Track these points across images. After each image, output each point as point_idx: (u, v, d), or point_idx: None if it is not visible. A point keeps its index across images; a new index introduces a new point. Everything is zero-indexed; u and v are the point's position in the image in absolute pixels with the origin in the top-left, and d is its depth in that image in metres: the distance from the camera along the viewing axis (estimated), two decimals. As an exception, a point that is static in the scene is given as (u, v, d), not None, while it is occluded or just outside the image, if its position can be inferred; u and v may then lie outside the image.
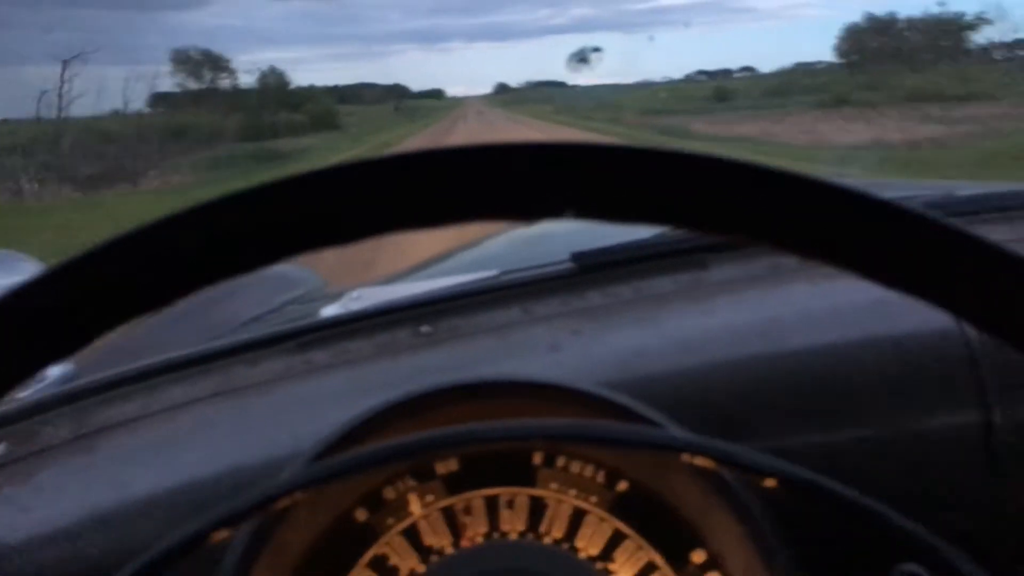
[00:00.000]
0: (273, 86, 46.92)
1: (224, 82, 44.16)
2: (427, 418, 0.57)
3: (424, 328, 0.73)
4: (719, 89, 40.37)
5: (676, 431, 0.54)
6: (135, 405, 0.73)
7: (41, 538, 0.58)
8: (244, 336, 0.82)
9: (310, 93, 49.58)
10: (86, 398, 0.75)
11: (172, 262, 0.24)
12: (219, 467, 0.61)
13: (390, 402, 0.57)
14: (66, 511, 0.60)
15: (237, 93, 43.48)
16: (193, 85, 42.73)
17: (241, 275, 0.25)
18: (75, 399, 0.75)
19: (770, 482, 0.42)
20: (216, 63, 44.02)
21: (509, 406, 0.57)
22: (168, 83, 41.46)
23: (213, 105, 38.68)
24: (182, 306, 1.52)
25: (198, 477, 0.61)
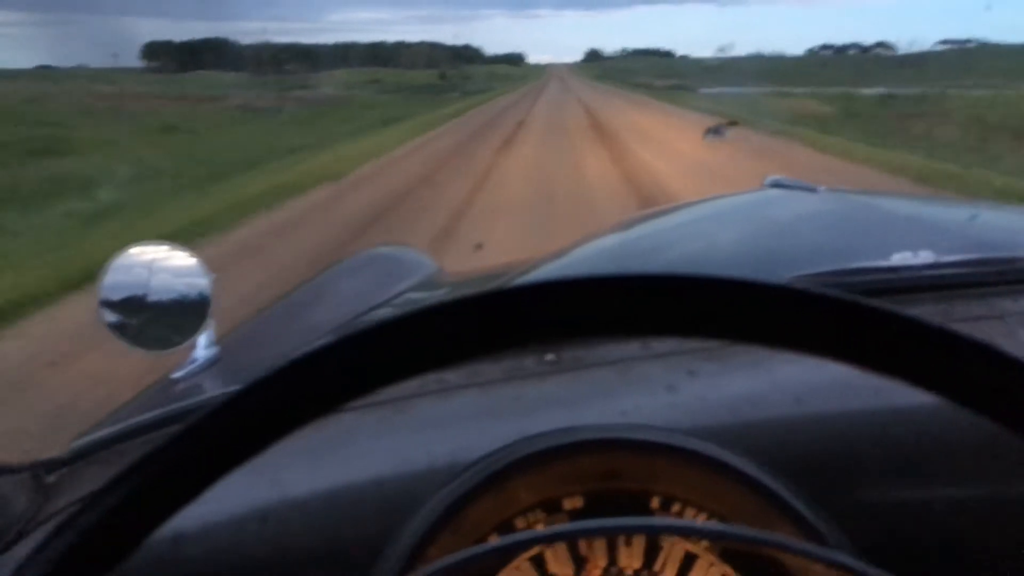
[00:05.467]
0: None
1: None
2: (555, 468, 0.63)
3: (549, 356, 0.76)
4: None
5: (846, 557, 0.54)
6: None
7: (211, 528, 0.64)
8: None
9: None
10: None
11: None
12: (363, 478, 0.67)
13: (515, 455, 0.62)
14: (233, 505, 0.65)
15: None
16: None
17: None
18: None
19: None
20: None
21: (638, 460, 0.64)
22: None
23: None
24: (308, 290, 1.52)
25: (344, 486, 0.67)
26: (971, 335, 0.28)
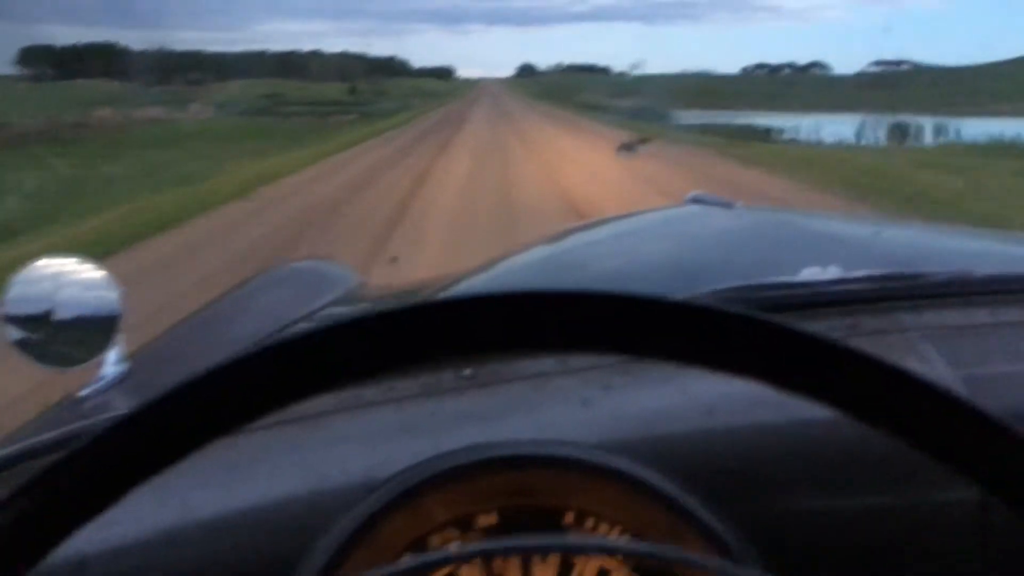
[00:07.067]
0: None
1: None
2: (468, 484, 0.63)
3: (466, 371, 0.75)
4: None
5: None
6: None
7: (117, 552, 0.63)
8: None
9: None
10: None
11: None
12: (275, 498, 0.66)
13: (428, 472, 0.62)
14: (139, 529, 0.64)
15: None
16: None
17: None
18: None
19: None
20: None
21: (551, 476, 0.64)
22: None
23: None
24: (225, 304, 1.42)
25: (256, 506, 0.66)
26: (848, 344, 0.29)
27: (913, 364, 0.73)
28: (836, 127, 27.11)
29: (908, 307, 0.83)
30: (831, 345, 0.29)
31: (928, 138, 23.18)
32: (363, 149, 18.86)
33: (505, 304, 0.29)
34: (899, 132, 23.54)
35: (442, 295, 0.28)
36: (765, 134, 26.43)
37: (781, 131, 26.99)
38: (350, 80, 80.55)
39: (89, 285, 1.02)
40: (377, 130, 24.97)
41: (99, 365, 1.01)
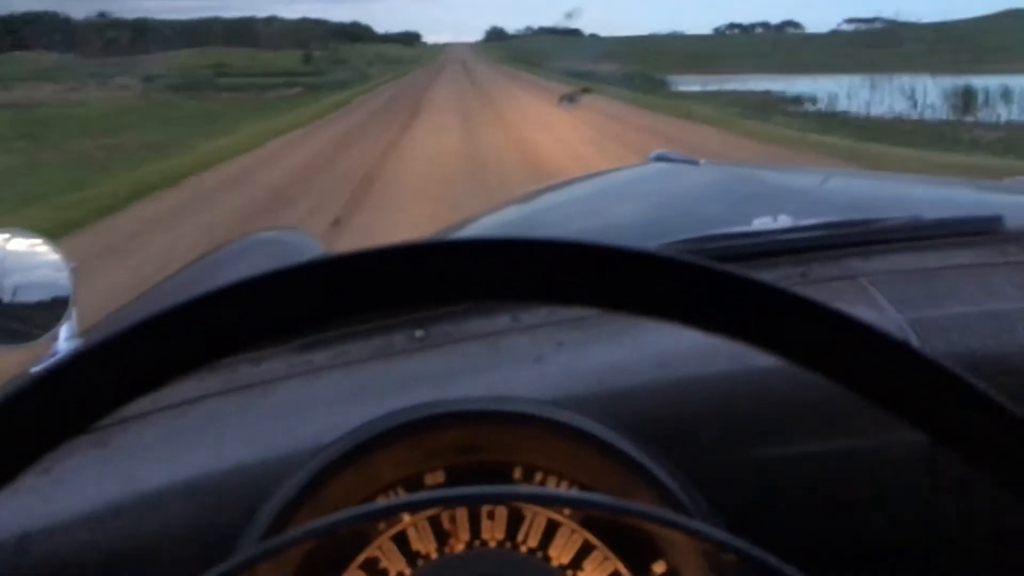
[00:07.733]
0: None
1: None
2: (415, 442, 0.64)
3: (418, 332, 0.75)
4: None
5: (700, 525, 0.55)
6: (147, 399, 0.86)
7: (59, 527, 0.63)
8: None
9: None
10: None
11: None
12: (223, 466, 0.65)
13: (374, 431, 0.62)
14: (83, 502, 0.64)
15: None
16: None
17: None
18: None
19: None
20: None
21: (498, 432, 0.65)
22: None
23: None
24: (185, 277, 1.30)
25: (203, 475, 0.65)
26: (791, 289, 0.28)
27: (862, 309, 0.74)
28: (862, 92, 22.59)
29: (858, 253, 0.84)
30: (774, 291, 0.28)
31: (1000, 106, 18.63)
32: (277, 147, 13.97)
33: (439, 252, 0.28)
34: (965, 98, 18.90)
35: None
36: (796, 103, 21.78)
37: (814, 99, 22.29)
38: (307, 47, 74.93)
39: (39, 261, 0.99)
40: (302, 120, 18.68)
41: (52, 341, 0.99)
